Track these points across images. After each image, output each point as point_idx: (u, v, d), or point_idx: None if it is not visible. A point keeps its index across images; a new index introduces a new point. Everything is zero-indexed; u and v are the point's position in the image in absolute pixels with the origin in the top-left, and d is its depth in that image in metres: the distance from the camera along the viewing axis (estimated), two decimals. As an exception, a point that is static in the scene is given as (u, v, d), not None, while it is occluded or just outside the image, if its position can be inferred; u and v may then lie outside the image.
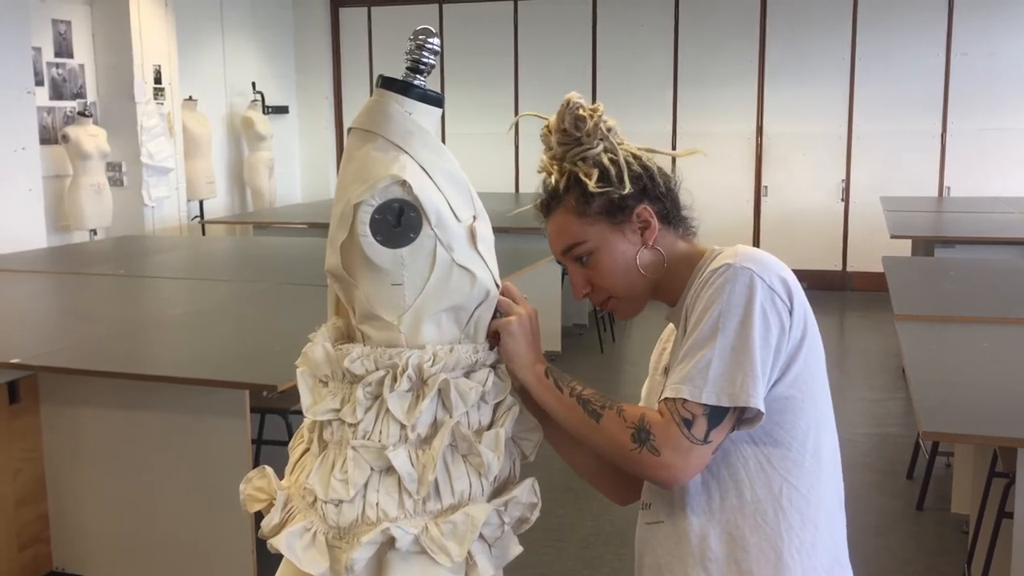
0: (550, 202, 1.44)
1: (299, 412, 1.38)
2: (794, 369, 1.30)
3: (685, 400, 1.25)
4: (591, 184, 1.36)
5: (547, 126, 1.42)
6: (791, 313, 1.29)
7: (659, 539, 1.40)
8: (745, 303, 1.26)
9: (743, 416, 1.28)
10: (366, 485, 1.29)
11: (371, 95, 1.36)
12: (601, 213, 1.39)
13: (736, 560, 1.32)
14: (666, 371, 1.43)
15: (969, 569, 3.18)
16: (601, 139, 1.38)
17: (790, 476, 1.32)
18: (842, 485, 1.40)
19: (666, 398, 1.27)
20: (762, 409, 1.25)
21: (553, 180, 1.43)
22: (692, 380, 1.25)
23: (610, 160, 1.38)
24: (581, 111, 1.37)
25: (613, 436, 1.28)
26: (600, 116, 1.38)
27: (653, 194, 1.40)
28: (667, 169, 1.46)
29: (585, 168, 1.38)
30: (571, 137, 1.39)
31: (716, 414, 1.25)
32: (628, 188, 1.37)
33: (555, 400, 1.34)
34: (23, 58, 5.89)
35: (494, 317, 1.38)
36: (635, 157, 1.41)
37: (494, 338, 1.38)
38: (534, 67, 9.18)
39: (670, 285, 1.42)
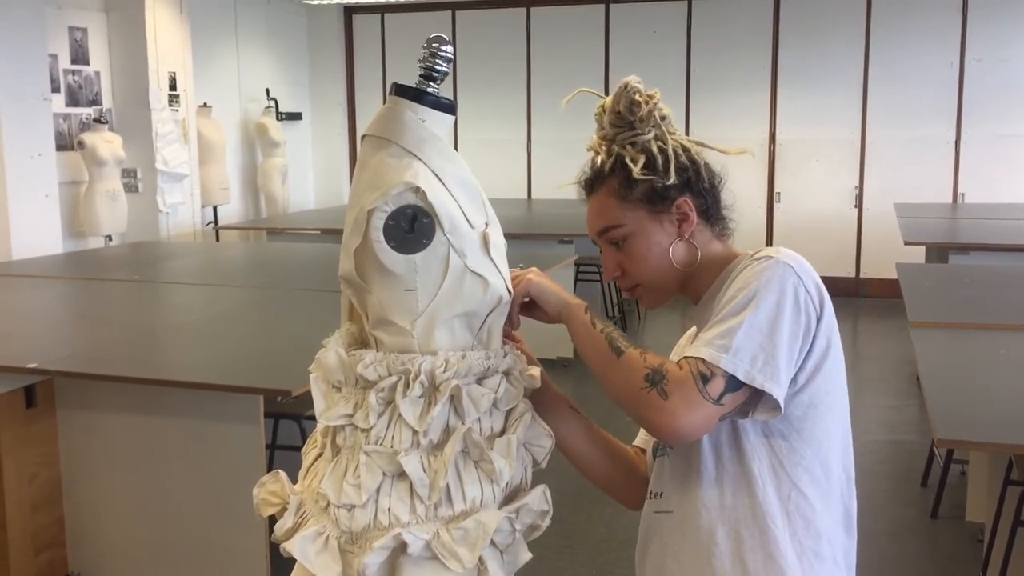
0: (594, 182, 1.44)
1: (313, 417, 1.39)
2: (819, 379, 1.30)
3: (704, 360, 1.25)
4: (636, 170, 1.37)
5: (602, 105, 1.43)
6: (819, 321, 1.29)
7: (667, 529, 1.40)
8: (781, 294, 1.26)
9: (761, 402, 1.28)
10: (378, 490, 1.30)
11: (384, 102, 1.37)
12: (642, 200, 1.39)
13: (742, 559, 1.32)
14: None
15: (984, 578, 3.17)
16: (653, 126, 1.39)
17: (799, 483, 1.32)
18: (854, 501, 1.39)
19: (686, 356, 1.27)
20: (778, 398, 1.25)
21: (599, 160, 1.43)
22: (713, 343, 1.25)
23: (659, 148, 1.38)
24: (637, 96, 1.38)
25: (628, 372, 1.28)
26: (655, 103, 1.39)
27: (696, 188, 1.40)
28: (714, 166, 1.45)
29: (632, 153, 1.38)
30: (624, 120, 1.39)
31: (733, 381, 1.24)
32: (672, 179, 1.37)
33: (586, 333, 1.34)
34: (39, 65, 5.94)
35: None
36: (684, 149, 1.41)
37: (522, 308, 1.40)
38: (547, 73, 9.19)
39: (698, 282, 1.42)
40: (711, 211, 1.42)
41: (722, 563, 1.33)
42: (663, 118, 1.40)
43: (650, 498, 1.47)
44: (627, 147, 1.39)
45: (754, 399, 1.28)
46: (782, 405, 1.26)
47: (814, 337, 1.29)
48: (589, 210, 1.46)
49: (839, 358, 1.34)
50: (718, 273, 1.40)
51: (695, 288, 1.43)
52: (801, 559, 1.31)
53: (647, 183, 1.38)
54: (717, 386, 1.24)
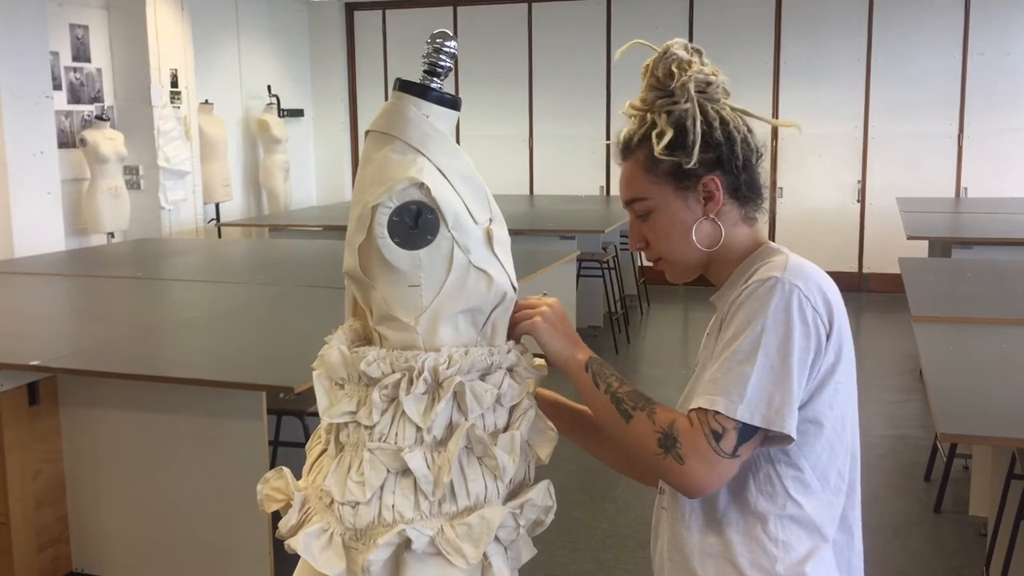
0: (625, 150, 1.41)
1: (315, 414, 1.39)
2: (823, 395, 1.28)
3: (717, 412, 1.23)
4: (658, 149, 1.33)
5: (646, 65, 1.38)
6: (828, 338, 1.27)
7: (666, 526, 1.41)
8: (788, 322, 1.24)
9: (769, 434, 1.26)
10: (382, 487, 1.30)
11: (386, 98, 1.36)
12: (668, 174, 1.35)
13: (733, 562, 1.32)
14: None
15: (987, 572, 3.16)
16: (689, 99, 1.33)
17: (795, 494, 1.30)
18: (856, 512, 1.37)
19: (698, 408, 1.25)
20: (794, 436, 1.24)
21: (630, 129, 1.40)
22: (728, 393, 1.23)
23: (692, 123, 1.33)
24: (675, 66, 1.34)
25: (640, 438, 1.27)
26: (692, 75, 1.33)
27: (728, 166, 1.35)
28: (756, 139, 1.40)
29: (663, 124, 1.34)
30: (663, 85, 1.36)
31: (747, 431, 1.23)
32: (693, 161, 1.33)
33: (590, 394, 1.34)
34: (41, 62, 5.93)
35: (512, 328, 1.39)
36: (723, 122, 1.35)
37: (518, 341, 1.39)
38: (549, 69, 9.18)
39: (721, 265, 1.40)
40: (742, 190, 1.38)
41: (714, 563, 1.33)
42: (708, 84, 1.34)
43: (659, 492, 1.47)
44: (662, 116, 1.35)
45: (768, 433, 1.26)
46: (795, 435, 1.24)
47: (823, 355, 1.27)
48: (620, 176, 1.43)
49: (849, 371, 1.31)
50: (741, 258, 1.38)
51: (718, 270, 1.40)
52: (795, 567, 1.30)
53: (673, 159, 1.34)
54: (729, 441, 1.23)
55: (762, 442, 1.27)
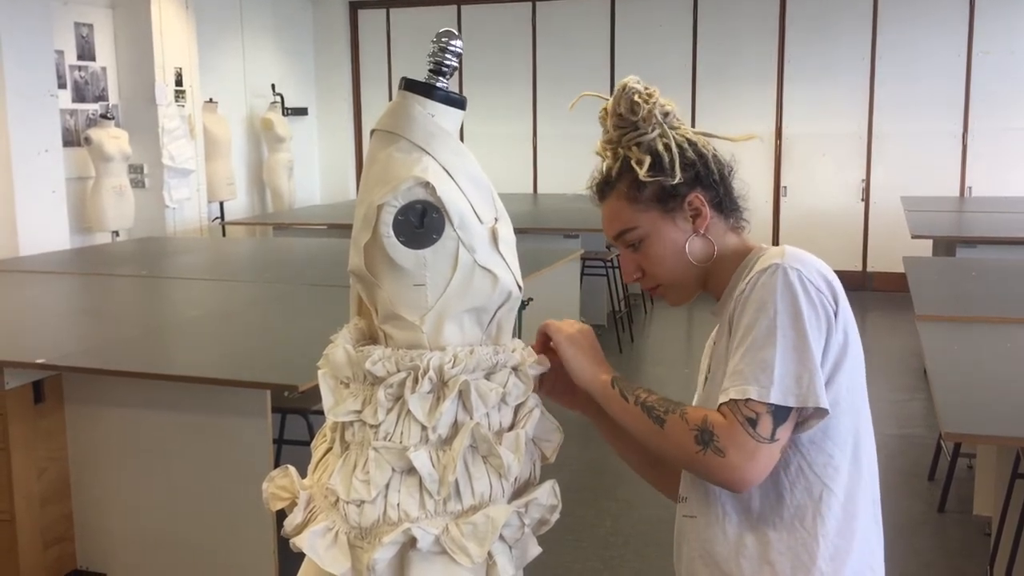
0: (604, 187, 1.45)
1: (320, 412, 1.40)
2: (840, 374, 1.30)
3: (748, 400, 1.23)
4: (642, 172, 1.37)
5: (604, 108, 1.43)
6: (836, 315, 1.29)
7: (694, 533, 1.40)
8: (796, 303, 1.26)
9: (800, 417, 1.27)
10: (387, 486, 1.30)
11: (391, 97, 1.37)
12: (653, 200, 1.39)
13: (770, 562, 1.32)
14: (707, 376, 1.44)
15: (991, 571, 3.16)
16: (656, 125, 1.38)
17: (830, 482, 1.31)
18: (878, 493, 1.38)
19: (729, 400, 1.26)
20: (828, 408, 1.25)
21: (606, 165, 1.43)
22: (756, 380, 1.24)
23: (664, 147, 1.38)
24: (636, 97, 1.38)
25: (678, 441, 1.27)
26: (655, 102, 1.38)
27: (707, 181, 1.40)
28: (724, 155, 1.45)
29: (638, 154, 1.38)
30: (626, 121, 1.40)
31: (781, 413, 1.24)
32: (679, 177, 1.37)
33: (621, 410, 1.34)
34: (46, 61, 5.94)
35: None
36: (690, 143, 1.40)
37: (546, 350, 1.40)
38: (553, 68, 9.18)
39: (717, 277, 1.42)
40: (724, 202, 1.42)
41: (750, 564, 1.33)
42: (666, 114, 1.40)
43: (680, 501, 1.47)
44: (633, 148, 1.39)
45: (801, 413, 1.27)
46: (828, 407, 1.25)
47: (834, 333, 1.28)
48: (603, 215, 1.46)
49: (858, 354, 1.33)
50: (735, 267, 1.39)
51: (715, 283, 1.43)
52: (832, 560, 1.31)
53: (656, 183, 1.38)
54: (766, 425, 1.23)
55: (803, 426, 1.28)
